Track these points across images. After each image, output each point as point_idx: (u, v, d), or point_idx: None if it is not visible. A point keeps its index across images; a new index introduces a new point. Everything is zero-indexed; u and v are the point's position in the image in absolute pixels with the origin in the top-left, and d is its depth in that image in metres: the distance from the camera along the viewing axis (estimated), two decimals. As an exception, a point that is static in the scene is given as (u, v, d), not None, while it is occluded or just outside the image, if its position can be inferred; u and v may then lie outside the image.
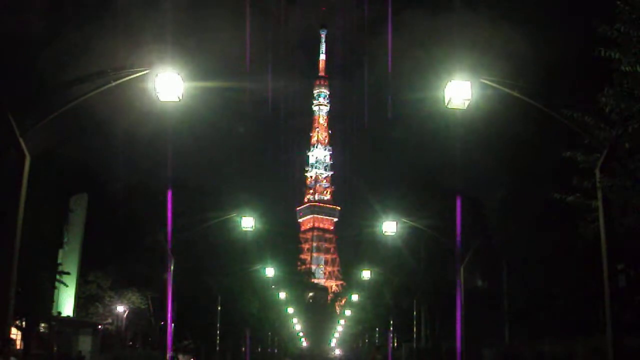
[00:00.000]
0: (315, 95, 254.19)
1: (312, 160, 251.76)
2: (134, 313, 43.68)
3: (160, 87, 13.00)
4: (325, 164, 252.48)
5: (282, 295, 68.34)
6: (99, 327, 40.66)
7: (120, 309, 42.70)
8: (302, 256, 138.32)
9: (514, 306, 31.30)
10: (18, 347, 30.25)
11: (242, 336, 57.89)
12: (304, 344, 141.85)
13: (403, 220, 29.73)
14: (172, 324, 28.44)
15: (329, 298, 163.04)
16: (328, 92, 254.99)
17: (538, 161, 23.93)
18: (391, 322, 53.87)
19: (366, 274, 51.71)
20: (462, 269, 25.70)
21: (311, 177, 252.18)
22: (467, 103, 12.98)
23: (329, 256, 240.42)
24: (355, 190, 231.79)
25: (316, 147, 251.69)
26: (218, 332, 41.39)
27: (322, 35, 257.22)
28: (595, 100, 11.70)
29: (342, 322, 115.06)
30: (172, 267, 26.33)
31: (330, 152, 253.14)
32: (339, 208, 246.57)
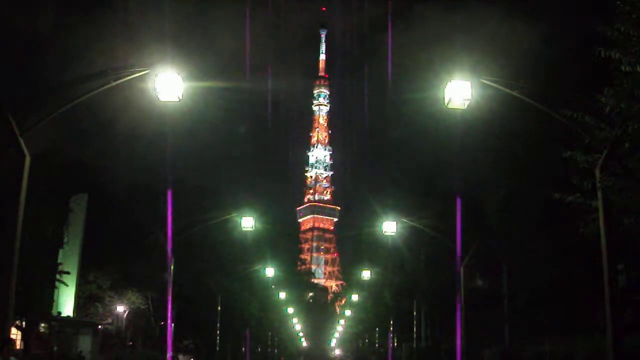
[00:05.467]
0: (315, 95, 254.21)
1: (312, 160, 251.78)
2: (134, 313, 43.69)
3: (160, 87, 12.99)
4: (325, 164, 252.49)
5: (282, 295, 68.33)
6: (99, 327, 40.69)
7: (120, 309, 42.72)
8: (302, 256, 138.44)
9: (514, 306, 31.30)
10: (18, 347, 30.24)
11: (242, 336, 57.88)
12: (304, 344, 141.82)
13: (403, 220, 29.71)
14: (172, 324, 28.43)
15: (329, 298, 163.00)
16: (328, 92, 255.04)
17: (538, 161, 23.92)
18: (391, 322, 53.85)
19: (366, 274, 51.70)
20: (462, 269, 25.69)
21: (311, 177, 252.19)
22: (467, 103, 12.98)
23: (329, 256, 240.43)
24: (355, 190, 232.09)
25: (316, 147, 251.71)
26: (218, 332, 41.39)
27: (322, 35, 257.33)
28: (595, 100, 11.70)
29: (342, 322, 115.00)
30: (172, 267, 26.32)
31: (330, 152, 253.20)
32: (339, 208, 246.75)
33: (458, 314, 25.50)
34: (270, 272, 47.00)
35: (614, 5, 11.19)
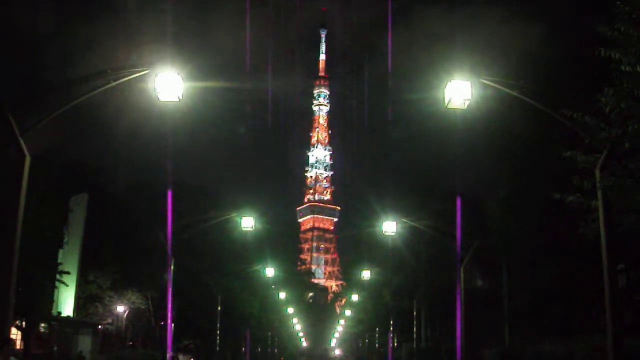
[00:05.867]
0: (315, 95, 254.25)
1: (312, 160, 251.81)
2: (134, 313, 43.69)
3: (160, 87, 12.99)
4: (325, 164, 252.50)
5: (282, 295, 68.32)
6: (99, 327, 40.67)
7: (120, 309, 42.71)
8: (302, 256, 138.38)
9: (514, 306, 31.26)
10: (18, 347, 30.25)
11: (242, 336, 57.87)
12: (304, 344, 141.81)
13: (403, 220, 29.69)
14: (172, 324, 28.43)
15: (329, 298, 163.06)
16: (328, 92, 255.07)
17: (538, 161, 23.91)
18: (391, 322, 53.86)
19: (366, 274, 51.69)
20: (462, 269, 25.68)
21: (311, 177, 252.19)
22: (467, 103, 12.98)
23: (329, 256, 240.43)
24: (355, 190, 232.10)
25: (316, 147, 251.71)
26: (218, 332, 41.40)
27: (322, 35, 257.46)
28: (595, 100, 11.69)
29: (342, 322, 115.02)
30: (172, 267, 26.32)
31: (330, 152, 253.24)
32: (339, 208, 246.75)
33: (458, 314, 25.49)
34: (270, 272, 46.98)
35: (614, 5, 11.18)
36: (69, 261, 39.04)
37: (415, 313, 42.17)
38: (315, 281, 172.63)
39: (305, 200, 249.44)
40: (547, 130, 18.55)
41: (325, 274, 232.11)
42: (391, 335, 55.51)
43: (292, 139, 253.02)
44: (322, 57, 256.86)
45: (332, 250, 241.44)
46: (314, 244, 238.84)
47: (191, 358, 47.64)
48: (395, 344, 55.27)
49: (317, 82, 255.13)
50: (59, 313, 37.74)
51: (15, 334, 30.74)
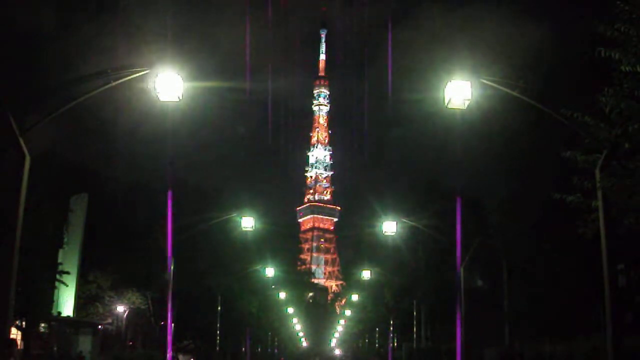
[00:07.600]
0: (315, 95, 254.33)
1: (312, 160, 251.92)
2: (134, 313, 43.70)
3: (160, 87, 12.98)
4: (325, 164, 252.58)
5: (282, 295, 68.32)
6: (99, 327, 40.68)
7: (120, 309, 42.72)
8: (302, 256, 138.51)
9: (514, 306, 31.30)
10: (18, 347, 30.26)
11: (242, 336, 57.87)
12: (304, 344, 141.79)
13: (403, 220, 29.69)
14: (172, 324, 28.40)
15: (329, 298, 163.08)
16: (328, 92, 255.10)
17: (538, 161, 23.92)
18: (391, 322, 53.86)
19: (366, 274, 51.67)
20: (462, 269, 25.67)
21: (311, 177, 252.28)
22: (467, 103, 12.97)
23: (329, 256, 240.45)
24: (355, 190, 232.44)
25: (316, 147, 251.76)
26: (218, 332, 41.38)
27: (322, 35, 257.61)
28: (595, 100, 11.69)
29: (342, 322, 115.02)
30: (172, 267, 26.29)
31: (330, 152, 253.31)
32: (339, 208, 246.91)
33: (458, 314, 25.47)
34: (270, 272, 46.98)
35: (614, 5, 11.18)
36: (69, 261, 39.05)
37: (415, 313, 42.17)
38: (315, 281, 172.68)
39: (305, 200, 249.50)
40: (547, 130, 18.56)
41: (325, 274, 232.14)
42: (391, 335, 55.52)
43: (292, 139, 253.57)
44: (322, 57, 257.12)
45: (332, 250, 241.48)
46: (314, 244, 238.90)
47: (191, 358, 47.62)
48: (395, 344, 55.27)
49: (317, 82, 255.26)
50: (59, 313, 37.76)
51: (15, 334, 30.75)
